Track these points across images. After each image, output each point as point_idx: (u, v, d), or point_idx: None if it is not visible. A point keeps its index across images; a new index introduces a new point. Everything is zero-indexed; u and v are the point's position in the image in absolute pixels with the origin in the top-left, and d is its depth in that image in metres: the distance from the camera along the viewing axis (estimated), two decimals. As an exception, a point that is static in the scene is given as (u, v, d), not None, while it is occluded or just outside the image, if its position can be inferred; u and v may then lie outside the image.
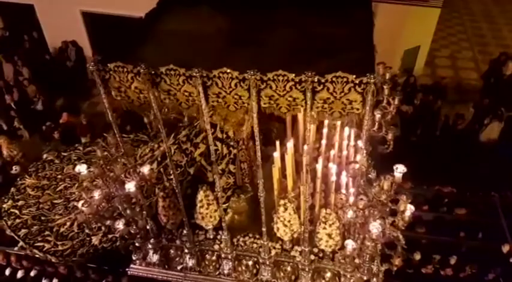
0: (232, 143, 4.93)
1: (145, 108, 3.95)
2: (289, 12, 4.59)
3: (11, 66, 12.32)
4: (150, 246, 5.11)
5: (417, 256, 5.99)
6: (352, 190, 4.71)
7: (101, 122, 10.69)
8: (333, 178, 4.63)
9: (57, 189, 6.24)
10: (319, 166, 4.62)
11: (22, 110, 11.27)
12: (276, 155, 4.59)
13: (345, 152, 5.18)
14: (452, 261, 6.21)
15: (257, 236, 4.96)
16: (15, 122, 10.88)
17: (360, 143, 4.02)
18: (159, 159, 5.36)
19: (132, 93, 3.82)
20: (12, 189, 6.31)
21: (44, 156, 7.23)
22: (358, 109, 3.44)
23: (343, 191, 4.60)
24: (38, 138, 10.95)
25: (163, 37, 4.27)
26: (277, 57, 3.79)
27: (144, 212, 4.63)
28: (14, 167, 8.55)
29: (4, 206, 6.04)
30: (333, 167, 4.76)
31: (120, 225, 4.52)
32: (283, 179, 4.85)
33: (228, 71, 3.45)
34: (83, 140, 10.17)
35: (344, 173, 4.87)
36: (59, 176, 6.45)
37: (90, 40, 13.05)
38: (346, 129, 5.18)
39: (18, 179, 6.52)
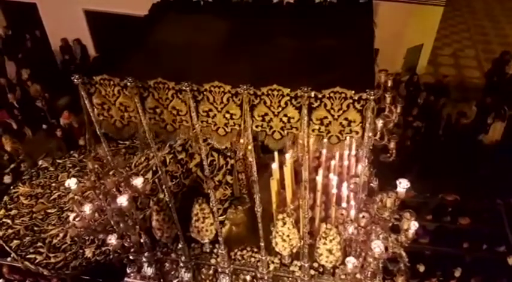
0: (229, 154, 4.75)
1: (126, 132, 3.73)
2: (286, 22, 4.40)
3: (13, 65, 12.21)
4: (144, 259, 4.95)
5: (421, 268, 5.82)
6: (353, 203, 4.56)
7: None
8: (334, 190, 4.45)
9: (51, 198, 6.08)
10: (319, 178, 4.45)
11: (25, 109, 11.18)
12: (275, 166, 4.42)
13: (346, 162, 5.00)
14: (457, 273, 6.03)
15: (255, 250, 4.79)
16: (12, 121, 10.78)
17: (361, 152, 3.81)
18: (154, 168, 5.19)
19: (116, 111, 3.61)
20: (5, 198, 6.16)
21: (39, 162, 7.09)
22: (357, 132, 3.24)
23: (344, 204, 4.42)
24: (41, 137, 10.87)
25: (154, 48, 4.07)
26: (273, 71, 3.59)
27: (137, 227, 4.47)
28: (5, 177, 8.40)
29: (-4, 215, 5.90)
30: (333, 179, 4.59)
31: (112, 240, 4.36)
32: (282, 190, 4.67)
33: (220, 84, 3.27)
34: (80, 142, 10.08)
35: (345, 185, 4.70)
36: (53, 184, 6.29)
37: (93, 39, 12.98)
38: (347, 138, 4.99)
39: (12, 187, 6.37)
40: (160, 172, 4.93)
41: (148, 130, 3.59)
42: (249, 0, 4.70)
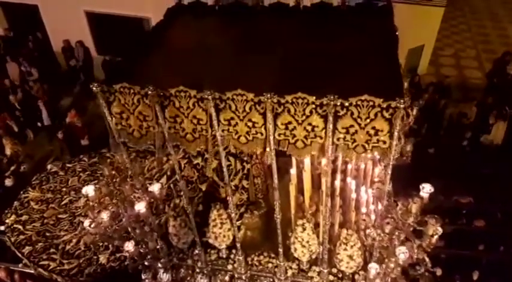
0: (245, 158, 4.70)
1: (144, 142, 3.64)
2: (304, 26, 4.32)
3: (15, 66, 12.21)
4: (160, 265, 4.89)
5: (438, 272, 5.78)
6: (372, 207, 4.52)
7: (103, 123, 10.64)
8: (353, 195, 4.40)
9: (62, 203, 6.03)
10: (337, 183, 4.40)
11: (26, 110, 11.18)
12: (293, 172, 4.37)
13: (362, 166, 4.94)
14: (475, 276, 5.99)
15: (272, 255, 4.74)
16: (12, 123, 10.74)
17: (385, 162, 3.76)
18: (168, 173, 5.14)
19: (135, 120, 3.52)
20: (16, 203, 6.10)
21: (48, 167, 7.03)
22: (384, 142, 3.13)
23: (364, 209, 4.38)
24: (42, 139, 10.87)
25: (171, 54, 4.00)
26: (295, 77, 3.52)
27: (155, 233, 4.42)
28: (6, 180, 8.35)
29: (7, 221, 5.84)
30: (352, 183, 4.54)
31: (129, 247, 4.31)
32: (299, 195, 4.63)
33: (243, 93, 3.19)
34: (83, 143, 10.03)
35: (363, 189, 4.66)
36: (64, 189, 6.24)
37: (94, 40, 13.00)
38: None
39: (22, 192, 6.31)
40: (175, 177, 4.92)
41: (168, 139, 3.52)
42: (265, 5, 4.64)
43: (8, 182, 8.54)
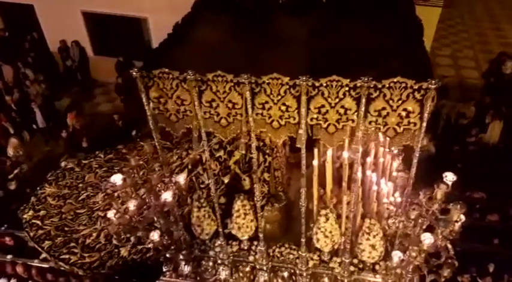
0: (267, 151, 4.79)
1: (181, 126, 3.78)
2: (326, 15, 4.46)
3: (10, 67, 12.24)
4: (181, 257, 4.95)
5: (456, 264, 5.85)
6: (392, 199, 4.61)
7: (100, 123, 10.69)
8: (374, 187, 4.50)
9: (80, 199, 6.07)
10: (359, 174, 4.50)
11: (23, 112, 11.17)
12: (315, 163, 4.46)
13: (381, 159, 5.05)
14: (491, 269, 6.09)
15: (293, 247, 4.81)
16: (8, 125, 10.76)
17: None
18: (189, 167, 5.22)
19: (172, 104, 3.66)
20: (33, 199, 6.14)
21: (63, 164, 7.09)
22: (415, 124, 3.25)
23: (385, 199, 4.48)
24: (38, 140, 10.92)
25: (203, 44, 4.14)
26: (323, 65, 3.64)
27: (181, 223, 4.49)
28: (9, 183, 8.39)
29: (25, 216, 5.87)
30: (372, 176, 4.64)
31: (155, 236, 4.37)
32: (319, 187, 4.71)
33: (278, 76, 3.32)
34: (83, 144, 10.03)
35: (383, 181, 4.76)
36: (80, 185, 6.29)
37: (91, 40, 13.06)
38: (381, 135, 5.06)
39: (38, 188, 6.35)
40: (196, 170, 5.01)
41: (203, 126, 3.63)
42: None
43: (11, 186, 8.59)
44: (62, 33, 12.54)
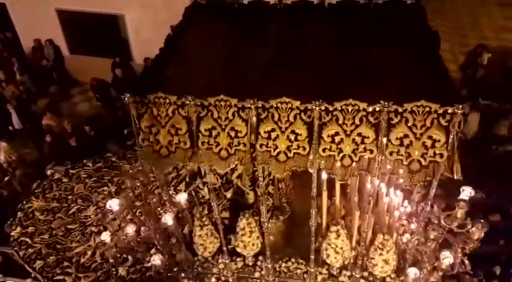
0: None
1: (170, 162, 3.41)
2: (331, 25, 4.09)
3: None
4: (183, 275, 4.73)
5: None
6: (402, 210, 4.43)
7: (81, 123, 10.27)
8: (386, 199, 4.31)
9: (70, 213, 5.74)
10: (369, 186, 4.30)
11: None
12: (324, 176, 4.23)
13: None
14: (497, 271, 6.03)
15: (300, 261, 4.63)
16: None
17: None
18: (187, 179, 4.94)
19: (165, 135, 3.28)
20: (19, 214, 5.78)
21: (48, 172, 6.71)
22: (441, 155, 2.94)
23: (397, 212, 4.30)
24: (16, 143, 10.32)
25: (198, 60, 3.77)
26: (334, 82, 3.33)
27: (183, 245, 4.25)
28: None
29: (13, 233, 5.53)
30: (382, 186, 4.44)
31: (156, 260, 4.12)
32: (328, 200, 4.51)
33: (288, 100, 3.03)
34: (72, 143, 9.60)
35: (392, 191, 4.57)
36: (70, 197, 5.94)
37: (66, 39, 12.55)
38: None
39: (24, 202, 5.98)
40: (194, 184, 4.74)
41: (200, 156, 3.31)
42: (287, 2, 4.45)
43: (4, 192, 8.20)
44: (37, 32, 12.02)
